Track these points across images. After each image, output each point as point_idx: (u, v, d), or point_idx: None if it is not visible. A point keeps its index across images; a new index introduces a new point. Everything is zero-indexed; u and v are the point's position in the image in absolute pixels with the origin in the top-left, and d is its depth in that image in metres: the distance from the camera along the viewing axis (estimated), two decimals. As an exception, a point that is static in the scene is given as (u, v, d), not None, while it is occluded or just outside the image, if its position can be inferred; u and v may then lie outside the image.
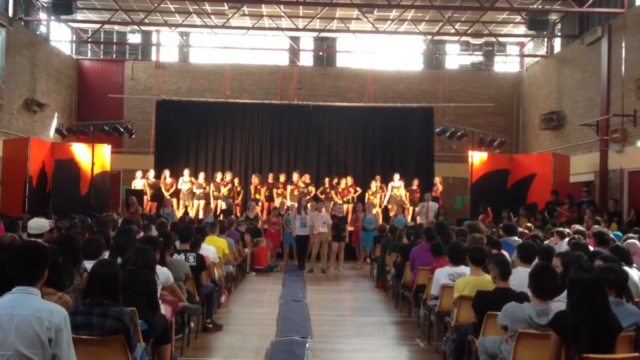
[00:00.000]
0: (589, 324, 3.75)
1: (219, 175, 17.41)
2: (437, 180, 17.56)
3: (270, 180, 17.31)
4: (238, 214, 16.21)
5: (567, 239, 8.52)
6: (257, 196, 16.99)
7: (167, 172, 17.40)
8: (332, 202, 16.19)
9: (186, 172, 17.46)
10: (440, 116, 19.97)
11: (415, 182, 17.48)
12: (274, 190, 17.03)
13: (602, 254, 6.07)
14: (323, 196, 16.80)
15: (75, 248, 5.35)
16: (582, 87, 17.48)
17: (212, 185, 17.25)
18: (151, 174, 17.50)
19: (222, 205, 16.62)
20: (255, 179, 17.28)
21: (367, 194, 17.22)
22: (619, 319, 4.24)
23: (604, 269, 4.62)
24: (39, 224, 7.28)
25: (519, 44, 22.61)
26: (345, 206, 16.09)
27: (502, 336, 4.73)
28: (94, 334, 4.11)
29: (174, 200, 16.94)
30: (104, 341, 4.15)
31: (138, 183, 17.35)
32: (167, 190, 17.11)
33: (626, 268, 5.68)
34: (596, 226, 10.87)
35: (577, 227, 10.04)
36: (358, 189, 17.34)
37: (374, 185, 17.25)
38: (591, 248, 7.21)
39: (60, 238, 5.85)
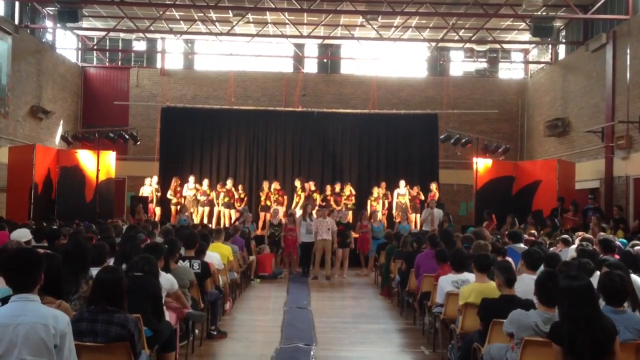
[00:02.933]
0: (583, 331, 3.75)
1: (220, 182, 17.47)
2: (433, 186, 17.51)
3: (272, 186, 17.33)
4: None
5: (573, 246, 8.50)
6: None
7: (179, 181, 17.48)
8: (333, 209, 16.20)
9: (191, 179, 17.51)
10: (445, 123, 19.96)
11: (416, 189, 17.49)
12: (272, 197, 17.10)
13: (609, 261, 6.04)
14: (324, 203, 16.80)
15: (85, 255, 5.35)
16: (587, 93, 17.46)
17: (214, 192, 17.30)
18: (154, 180, 17.56)
19: (225, 212, 16.66)
20: (276, 185, 17.34)
21: (369, 201, 17.21)
22: (621, 327, 4.22)
23: (603, 276, 4.59)
24: (20, 234, 7.48)
25: (523, 50, 22.62)
26: (349, 213, 16.08)
27: (508, 344, 4.70)
28: (99, 341, 4.11)
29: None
30: (109, 348, 4.14)
31: (146, 190, 17.38)
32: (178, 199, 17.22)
33: (634, 276, 5.64)
34: (602, 233, 10.83)
35: (582, 234, 10.01)
36: (353, 191, 17.37)
37: (376, 191, 17.25)
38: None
39: (70, 245, 5.85)
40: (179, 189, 17.37)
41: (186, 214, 15.91)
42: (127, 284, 4.42)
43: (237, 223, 15.13)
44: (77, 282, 5.08)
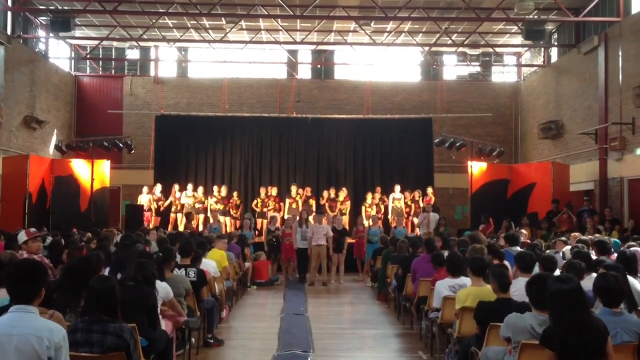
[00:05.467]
0: (575, 334, 3.75)
1: (215, 189, 17.43)
2: (429, 190, 17.50)
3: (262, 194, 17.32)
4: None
5: (567, 247, 8.51)
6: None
7: (176, 187, 17.42)
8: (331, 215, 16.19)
9: (189, 186, 17.46)
10: (439, 127, 20.01)
11: (416, 193, 17.47)
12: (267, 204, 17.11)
13: (606, 263, 6.05)
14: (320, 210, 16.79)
15: (92, 270, 5.26)
16: (580, 95, 17.52)
17: (209, 199, 17.27)
18: (158, 189, 17.47)
19: (221, 219, 16.64)
20: (272, 191, 17.35)
21: (363, 207, 17.18)
22: (619, 329, 4.22)
23: (598, 277, 4.60)
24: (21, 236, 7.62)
25: (516, 54, 22.71)
26: (344, 218, 16.08)
27: (505, 347, 4.70)
28: (94, 351, 4.08)
29: (180, 215, 17.01)
30: (104, 358, 4.11)
31: (144, 198, 17.28)
32: (176, 206, 17.18)
33: (630, 278, 5.65)
34: (597, 235, 10.86)
35: (577, 234, 10.04)
36: (348, 197, 17.37)
37: (370, 197, 17.21)
38: (594, 257, 7.19)
39: (78, 260, 5.84)
40: (177, 195, 17.32)
41: (217, 220, 15.88)
42: (122, 293, 4.39)
43: (240, 230, 15.16)
44: (79, 296, 4.95)
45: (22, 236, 7.60)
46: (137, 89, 21.69)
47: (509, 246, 8.97)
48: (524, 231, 12.35)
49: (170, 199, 17.42)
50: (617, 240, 10.00)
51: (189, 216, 16.08)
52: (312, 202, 17.16)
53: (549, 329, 3.93)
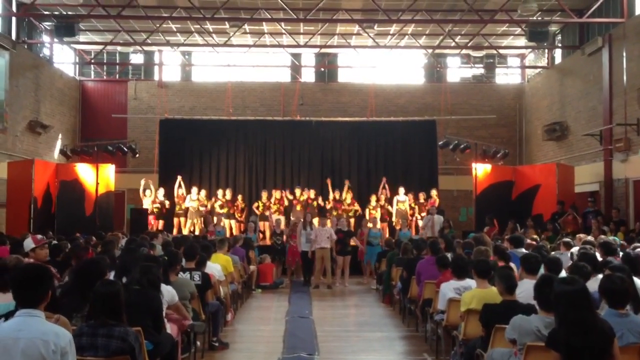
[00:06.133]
0: (580, 336, 3.75)
1: (219, 193, 17.45)
2: (433, 193, 17.46)
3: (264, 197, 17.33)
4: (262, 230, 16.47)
5: (573, 249, 8.49)
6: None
7: (180, 190, 17.47)
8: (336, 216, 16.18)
9: (194, 190, 17.48)
10: (443, 129, 19.98)
11: (421, 196, 17.44)
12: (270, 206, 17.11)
13: (612, 264, 6.03)
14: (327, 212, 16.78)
15: (100, 273, 5.27)
16: (584, 97, 17.49)
17: (214, 203, 17.27)
18: (160, 192, 17.46)
19: (225, 223, 16.69)
20: (276, 194, 17.36)
21: (367, 209, 17.16)
22: (625, 330, 4.21)
23: (604, 279, 4.59)
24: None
25: (519, 55, 22.68)
26: (352, 220, 16.05)
27: (510, 349, 4.69)
28: (99, 355, 4.08)
29: (183, 219, 17.03)
30: (109, 362, 4.12)
31: (147, 202, 17.27)
32: (179, 205, 17.19)
33: (635, 278, 5.63)
34: (602, 236, 10.83)
35: (583, 236, 10.01)
36: (354, 199, 17.34)
37: (374, 199, 17.20)
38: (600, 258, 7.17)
39: (85, 263, 5.86)
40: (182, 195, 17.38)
41: (221, 224, 15.88)
42: (127, 297, 4.39)
43: (245, 233, 15.18)
44: (86, 299, 4.94)
45: (29, 243, 7.54)
46: (141, 93, 21.76)
47: (513, 248, 8.94)
48: (535, 236, 12.30)
49: (177, 199, 17.44)
50: (619, 239, 9.97)
51: (205, 220, 16.09)
52: (317, 204, 17.14)
53: (555, 331, 3.92)
